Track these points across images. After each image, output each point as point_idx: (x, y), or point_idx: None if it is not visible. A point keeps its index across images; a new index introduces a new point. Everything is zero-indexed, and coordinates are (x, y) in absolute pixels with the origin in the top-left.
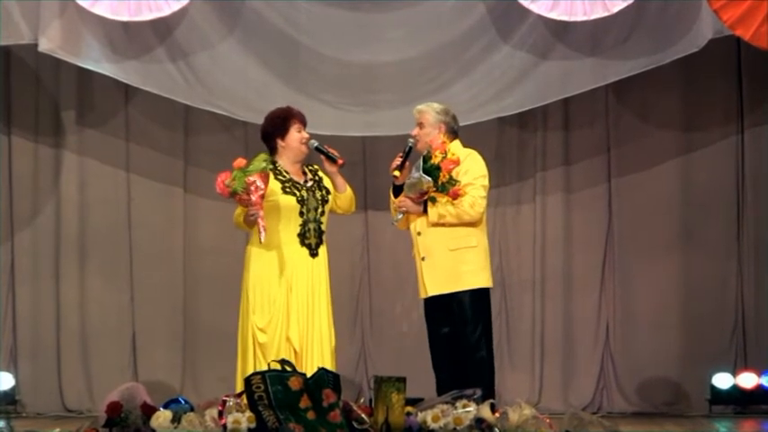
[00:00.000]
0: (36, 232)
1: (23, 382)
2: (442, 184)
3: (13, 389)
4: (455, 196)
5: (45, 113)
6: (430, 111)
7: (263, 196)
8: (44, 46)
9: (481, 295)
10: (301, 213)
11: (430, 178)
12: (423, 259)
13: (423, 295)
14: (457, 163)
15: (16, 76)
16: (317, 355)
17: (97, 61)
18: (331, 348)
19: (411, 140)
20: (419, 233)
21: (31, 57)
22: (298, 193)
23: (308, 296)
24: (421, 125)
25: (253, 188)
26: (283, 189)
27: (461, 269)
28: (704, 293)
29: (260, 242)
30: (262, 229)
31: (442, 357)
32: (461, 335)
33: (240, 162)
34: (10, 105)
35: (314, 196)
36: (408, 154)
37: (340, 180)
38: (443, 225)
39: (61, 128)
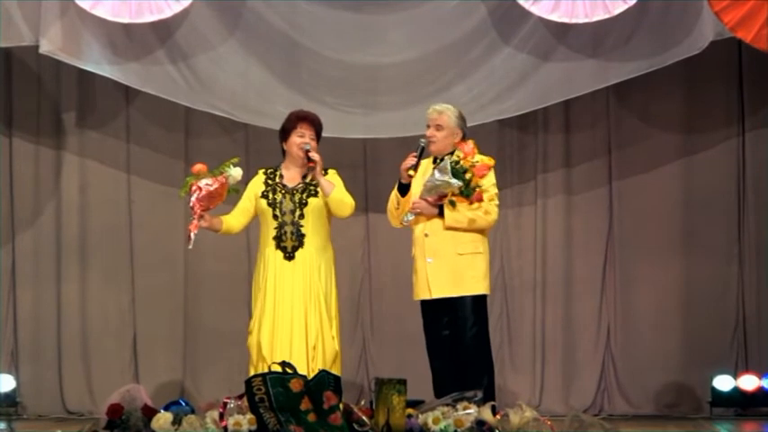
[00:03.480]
0: (37, 234)
1: (24, 384)
2: (467, 188)
3: (14, 391)
4: (478, 201)
5: (46, 115)
6: (450, 114)
7: (200, 200)
8: (45, 48)
9: (481, 301)
10: (275, 216)
11: (460, 182)
12: (429, 261)
13: (425, 296)
14: (489, 168)
15: (17, 78)
16: (285, 357)
17: (98, 63)
18: (307, 356)
19: (423, 141)
20: (426, 235)
21: (32, 58)
22: (270, 197)
23: (277, 300)
24: (438, 127)
25: (193, 192)
26: (263, 192)
27: (467, 274)
28: (705, 296)
29: (188, 248)
30: (191, 233)
31: (443, 359)
32: (461, 339)
33: (197, 168)
34: (11, 107)
35: (291, 199)
36: (421, 154)
37: (322, 183)
38: (456, 229)
39: (62, 129)
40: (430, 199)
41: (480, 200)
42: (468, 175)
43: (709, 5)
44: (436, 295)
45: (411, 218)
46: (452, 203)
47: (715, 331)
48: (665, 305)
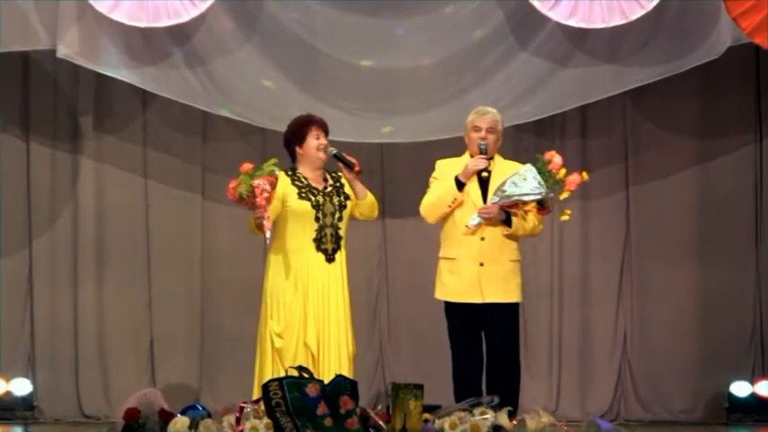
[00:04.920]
0: (53, 238)
1: (41, 388)
2: (544, 199)
3: (30, 395)
4: (548, 212)
5: (63, 119)
6: (500, 118)
7: (268, 199)
8: (62, 52)
9: (519, 308)
10: (317, 218)
11: (552, 193)
12: (481, 265)
13: (476, 300)
14: (580, 183)
15: (34, 82)
16: (333, 360)
17: (115, 67)
18: (348, 354)
19: (483, 143)
20: (483, 239)
21: (49, 62)
22: (313, 199)
23: (323, 301)
24: (491, 130)
25: (258, 191)
26: (299, 194)
27: (514, 281)
28: (722, 301)
29: (267, 245)
30: (267, 232)
31: (473, 365)
32: (500, 344)
33: (247, 167)
34: (28, 111)
35: (331, 201)
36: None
37: (359, 187)
38: (511, 237)
39: (79, 133)
40: (507, 205)
41: (550, 211)
42: (561, 189)
43: (727, 11)
44: (489, 300)
45: (480, 221)
46: (525, 212)
47: (732, 337)
48: (681, 311)
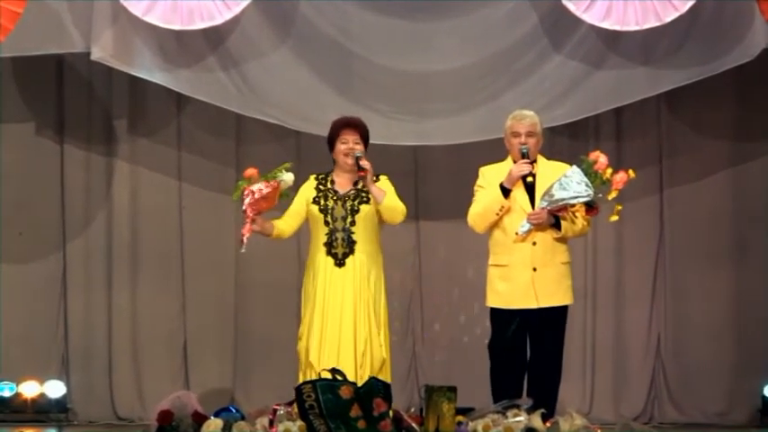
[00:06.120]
0: (88, 241)
1: (75, 390)
2: (592, 200)
3: (64, 397)
4: (596, 213)
5: (97, 122)
6: (538, 121)
7: (252, 205)
8: (97, 54)
9: (567, 310)
10: (326, 223)
11: (600, 194)
12: (534, 270)
13: (531, 306)
14: (627, 181)
15: (68, 85)
16: (334, 363)
17: (149, 70)
18: (355, 362)
19: (525, 148)
20: (535, 243)
21: (84, 65)
22: (323, 203)
23: (327, 306)
24: (531, 134)
25: (246, 196)
26: (313, 198)
27: (565, 283)
28: (756, 304)
29: (242, 251)
30: (243, 238)
31: (520, 370)
32: (547, 347)
33: (250, 172)
34: (62, 114)
35: (343, 206)
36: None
37: (374, 190)
38: (560, 239)
39: (113, 136)
40: (555, 209)
41: (599, 212)
42: (609, 188)
43: (762, 13)
44: (544, 304)
45: (529, 227)
46: (574, 214)
47: (766, 339)
48: (715, 313)
